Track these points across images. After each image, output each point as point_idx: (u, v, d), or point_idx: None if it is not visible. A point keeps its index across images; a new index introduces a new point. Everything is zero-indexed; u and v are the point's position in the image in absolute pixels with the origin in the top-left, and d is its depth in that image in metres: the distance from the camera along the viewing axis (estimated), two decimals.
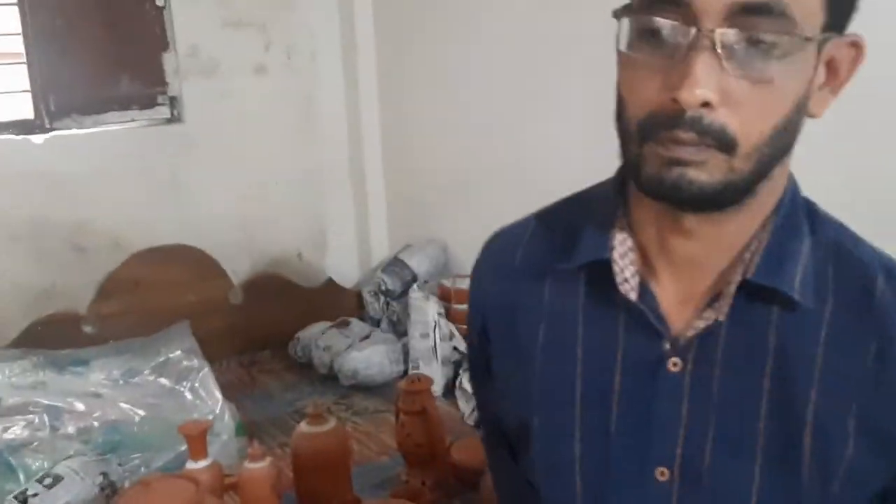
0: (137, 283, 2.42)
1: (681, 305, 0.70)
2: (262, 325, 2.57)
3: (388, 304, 2.59)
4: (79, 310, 2.40)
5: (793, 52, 0.58)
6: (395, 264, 2.64)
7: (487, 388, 0.84)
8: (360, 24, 2.81)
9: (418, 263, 2.61)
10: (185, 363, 2.07)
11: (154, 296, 2.42)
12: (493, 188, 2.48)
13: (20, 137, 2.37)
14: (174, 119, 2.60)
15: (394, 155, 2.88)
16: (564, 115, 2.18)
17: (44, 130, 2.40)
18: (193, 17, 2.58)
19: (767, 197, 0.67)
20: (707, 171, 0.60)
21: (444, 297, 2.41)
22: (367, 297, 2.66)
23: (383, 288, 2.59)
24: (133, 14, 2.50)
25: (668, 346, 0.70)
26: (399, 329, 2.52)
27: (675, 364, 0.69)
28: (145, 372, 2.03)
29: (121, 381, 2.00)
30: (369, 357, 2.33)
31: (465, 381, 2.10)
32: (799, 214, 0.69)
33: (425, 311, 2.30)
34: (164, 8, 2.53)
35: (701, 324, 0.68)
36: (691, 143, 0.60)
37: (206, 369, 2.04)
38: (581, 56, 2.05)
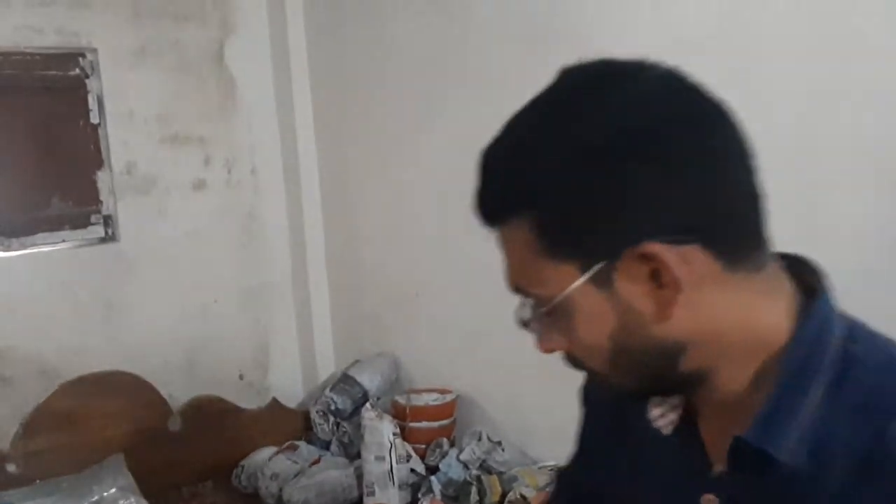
0: (67, 415, 2.25)
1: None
2: (203, 453, 2.41)
3: (338, 424, 2.47)
4: (2, 447, 2.20)
5: (565, 311, 0.66)
6: (344, 381, 2.53)
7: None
8: (302, 134, 2.78)
9: (369, 380, 2.51)
10: (121, 502, 1.92)
11: (85, 428, 2.25)
12: (445, 298, 2.42)
13: None
14: (108, 238, 2.49)
15: (339, 268, 2.81)
16: None
17: None
18: (129, 133, 2.51)
19: (736, 362, 0.67)
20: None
21: (399, 415, 2.30)
22: (316, 418, 2.53)
23: (332, 408, 2.47)
24: (67, 133, 2.42)
25: (704, 479, 0.71)
26: (351, 451, 2.39)
27: (709, 500, 0.71)
28: None
29: None
30: (321, 484, 2.19)
31: None
32: (815, 362, 0.65)
33: (380, 431, 2.18)
34: (98, 125, 2.46)
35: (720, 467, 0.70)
36: None
37: None
38: None
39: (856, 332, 0.67)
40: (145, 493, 2.00)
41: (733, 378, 0.67)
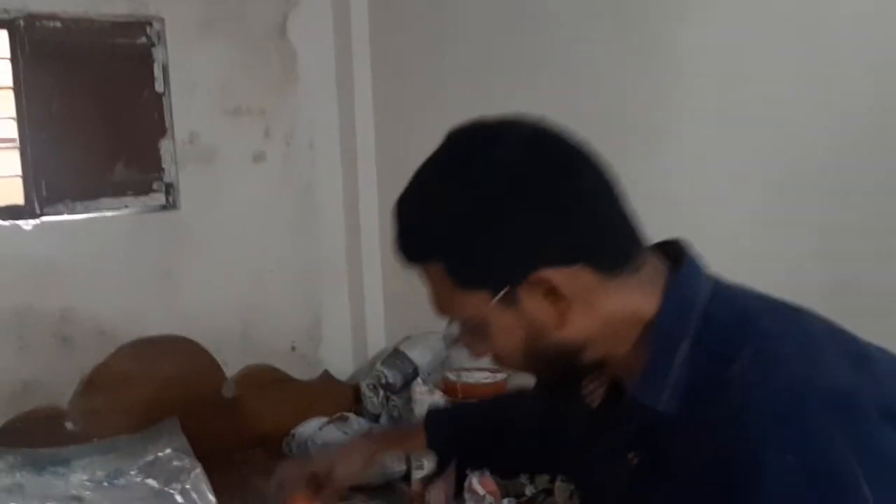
0: (125, 376, 2.29)
1: None
2: (255, 420, 2.44)
3: (388, 398, 2.47)
4: (61, 405, 2.26)
5: (483, 327, 0.83)
6: (395, 356, 2.53)
7: None
8: (360, 111, 2.78)
9: (420, 355, 2.51)
10: (175, 463, 1.94)
11: (142, 391, 2.29)
12: None
13: (9, 223, 2.28)
14: (169, 206, 2.52)
15: (392, 251, 2.80)
16: None
17: (34, 216, 2.31)
18: (192, 103, 2.54)
19: (625, 343, 0.83)
20: None
21: (449, 391, 2.30)
22: (366, 391, 2.53)
23: (383, 381, 2.48)
24: (132, 100, 2.46)
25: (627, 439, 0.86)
26: (402, 423, 2.39)
27: (632, 456, 0.85)
28: (132, 473, 1.90)
29: (105, 483, 1.86)
30: None
31: (475, 483, 1.96)
32: (679, 326, 0.80)
33: (431, 405, 2.18)
34: (163, 94, 2.50)
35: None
36: None
37: (199, 470, 1.91)
38: None
39: (716, 293, 0.82)
40: (198, 456, 2.02)
41: (624, 355, 0.82)
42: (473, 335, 0.85)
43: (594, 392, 0.91)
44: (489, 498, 1.85)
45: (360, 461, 1.28)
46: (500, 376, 2.33)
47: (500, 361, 0.88)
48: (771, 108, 1.71)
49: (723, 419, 0.72)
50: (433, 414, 1.39)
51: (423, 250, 0.85)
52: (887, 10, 1.51)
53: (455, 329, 0.86)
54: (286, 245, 2.75)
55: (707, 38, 1.82)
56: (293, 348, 2.78)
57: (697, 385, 0.77)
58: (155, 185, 2.50)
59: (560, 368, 0.85)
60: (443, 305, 0.86)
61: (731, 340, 0.76)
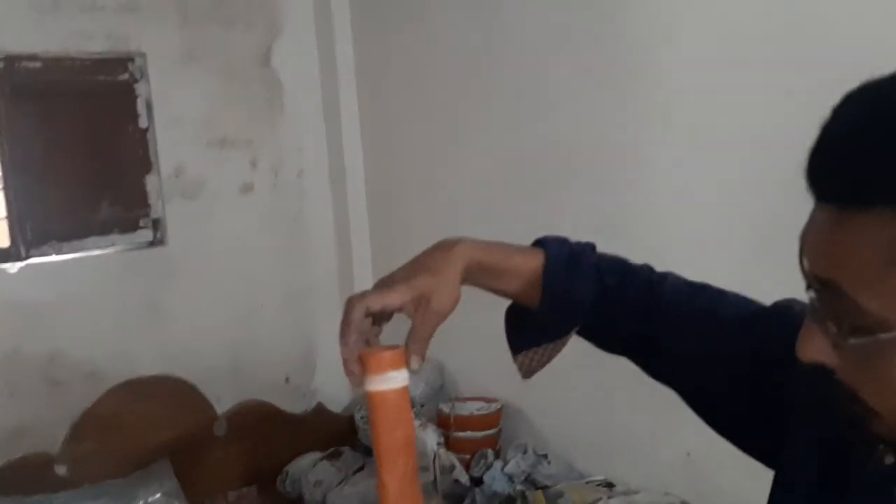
0: (115, 419, 2.26)
1: None
2: (248, 458, 2.41)
3: None
4: (51, 450, 2.23)
5: (879, 350, 0.50)
6: None
7: None
8: (348, 136, 2.76)
9: (414, 386, 2.43)
10: None
11: (132, 433, 2.26)
12: (495, 306, 2.37)
13: None
14: (157, 242, 2.51)
15: (385, 273, 2.78)
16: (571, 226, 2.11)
17: (19, 258, 2.29)
18: (178, 137, 2.52)
19: None
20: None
21: (443, 424, 2.27)
22: (360, 423, 2.51)
23: None
24: (116, 137, 2.45)
25: None
26: None
27: None
28: None
29: None
30: (365, 494, 2.17)
31: None
32: None
33: (423, 441, 2.15)
34: (147, 130, 2.48)
35: None
36: None
37: None
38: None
39: None
40: (190, 497, 2.01)
41: None
42: (864, 346, 0.51)
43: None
44: None
45: (457, 284, 0.82)
46: (493, 406, 2.30)
47: (827, 355, 0.54)
48: (752, 131, 1.68)
49: None
50: (565, 264, 0.84)
51: (888, 189, 0.48)
52: (872, 34, 1.49)
53: (832, 320, 0.52)
54: (276, 275, 2.73)
55: (688, 61, 1.80)
56: (287, 380, 2.75)
57: None
58: (142, 222, 2.48)
59: None
60: (845, 275, 0.51)
61: None
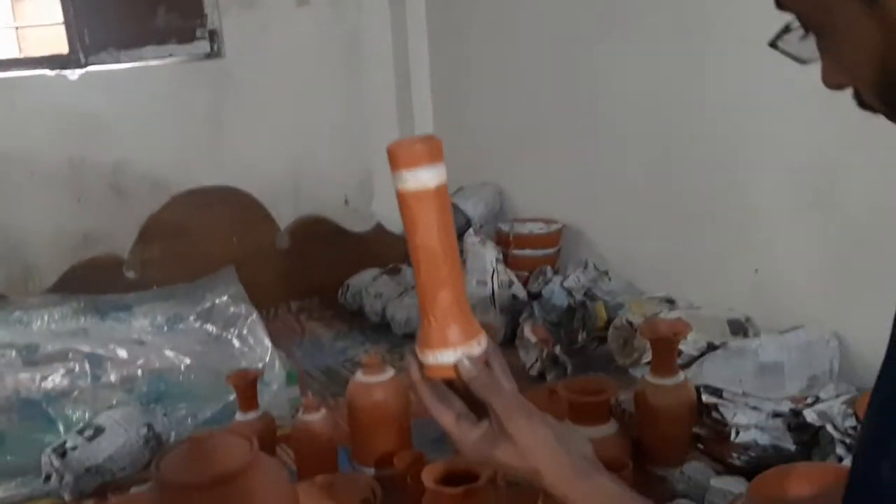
0: (180, 226, 2.31)
1: None
2: (309, 271, 2.46)
3: None
4: (120, 254, 2.30)
5: (824, 31, 0.59)
6: None
7: None
8: None
9: (473, 207, 2.46)
10: (232, 309, 1.96)
11: (197, 240, 2.31)
12: (552, 130, 2.31)
13: (54, 73, 2.25)
14: (214, 54, 2.46)
15: (444, 94, 2.72)
16: (630, 54, 2.00)
17: (79, 65, 2.27)
18: None
19: None
20: None
21: (502, 242, 2.26)
22: None
23: None
24: None
25: None
26: None
27: None
28: (190, 318, 1.93)
29: (165, 328, 1.90)
30: None
31: (526, 331, 1.96)
32: None
33: (483, 256, 2.16)
34: None
35: None
36: None
37: (255, 315, 1.94)
38: None
39: None
40: (255, 304, 2.05)
41: None
42: (817, 36, 0.61)
43: None
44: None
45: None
46: (553, 227, 2.28)
47: (838, 71, 0.62)
48: None
49: None
50: None
51: None
52: None
53: (792, 30, 0.62)
54: (334, 95, 2.67)
55: None
56: (346, 202, 2.76)
57: None
58: (198, 32, 2.43)
59: None
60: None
61: None
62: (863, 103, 0.61)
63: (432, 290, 0.70)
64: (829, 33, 0.59)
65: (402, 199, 0.69)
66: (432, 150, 0.69)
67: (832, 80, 0.61)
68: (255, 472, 0.81)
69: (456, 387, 0.73)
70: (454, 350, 0.70)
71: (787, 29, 0.61)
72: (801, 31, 0.61)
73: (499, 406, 0.69)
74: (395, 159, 0.68)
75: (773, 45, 0.62)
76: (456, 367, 0.70)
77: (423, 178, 0.68)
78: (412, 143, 0.69)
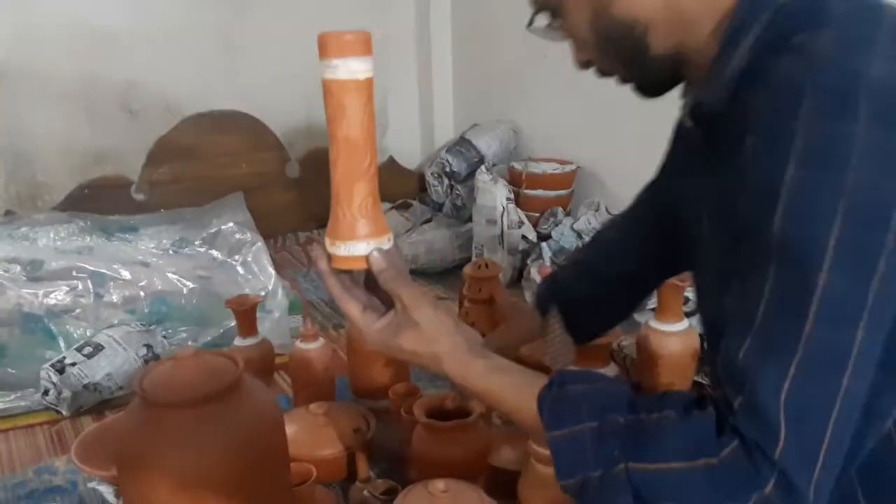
0: (189, 149, 2.29)
1: None
2: (319, 202, 2.42)
3: (451, 186, 2.42)
4: (129, 175, 2.28)
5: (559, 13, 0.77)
6: (460, 144, 2.45)
7: None
8: None
9: (486, 144, 2.42)
10: (237, 236, 1.95)
11: (207, 164, 2.29)
12: (570, 68, 2.24)
13: None
14: None
15: (463, 28, 2.64)
16: None
17: None
18: None
19: (698, 33, 0.72)
20: None
21: (514, 181, 2.22)
22: (430, 179, 2.49)
23: (447, 169, 2.41)
24: None
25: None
26: (463, 215, 2.35)
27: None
28: (196, 243, 1.92)
29: (170, 251, 1.90)
30: (431, 241, 2.18)
31: (533, 272, 1.94)
32: (753, 13, 0.68)
33: (493, 195, 2.13)
34: None
35: None
36: None
37: (260, 243, 1.93)
38: None
39: None
40: (262, 232, 2.04)
41: (700, 50, 0.72)
42: (554, 19, 0.77)
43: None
44: None
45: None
46: (567, 168, 2.24)
47: (578, 48, 0.78)
48: None
49: (768, 86, 0.63)
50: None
51: None
52: None
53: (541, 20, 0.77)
54: (351, 18, 2.60)
55: None
56: None
57: (756, 60, 0.67)
58: None
59: (630, 59, 0.74)
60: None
61: (799, 19, 0.65)
62: (604, 72, 0.77)
63: (349, 182, 0.71)
64: (559, 12, 0.75)
65: (330, 89, 0.70)
66: (364, 42, 0.70)
67: (579, 59, 0.78)
68: (237, 393, 0.80)
69: (360, 280, 0.76)
70: (366, 242, 0.71)
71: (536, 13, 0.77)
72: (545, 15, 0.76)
73: (406, 296, 0.72)
74: (327, 47, 0.68)
75: (528, 27, 0.79)
76: (367, 258, 0.72)
77: (354, 67, 0.68)
78: (343, 33, 0.69)
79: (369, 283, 0.75)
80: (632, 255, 1.04)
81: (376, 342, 0.75)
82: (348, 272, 0.74)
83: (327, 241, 0.73)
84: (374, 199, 0.72)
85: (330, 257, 0.73)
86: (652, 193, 1.05)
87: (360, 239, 0.71)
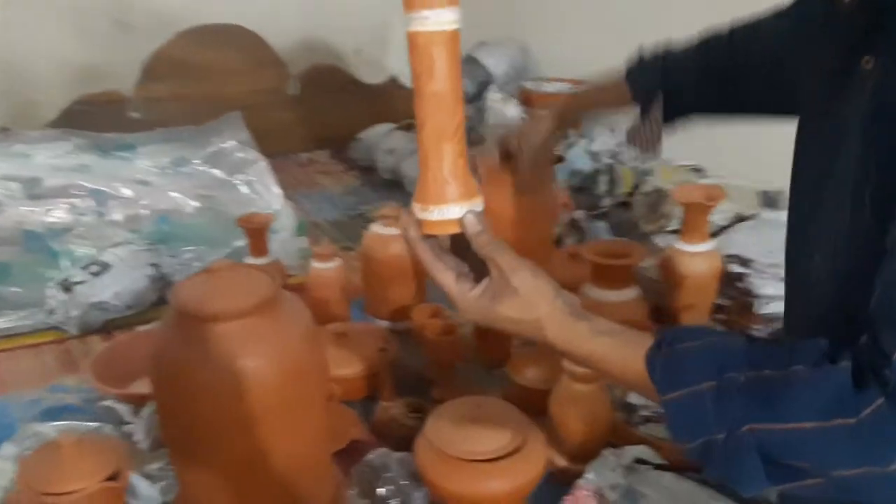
0: (186, 65, 2.19)
1: None
2: (320, 121, 2.36)
3: None
4: (124, 92, 2.19)
5: None
6: (467, 63, 2.36)
7: None
8: None
9: (495, 63, 2.34)
10: (238, 155, 1.88)
11: (204, 80, 2.20)
12: None
13: None
14: None
15: None
16: None
17: None
18: None
19: None
20: None
21: (526, 101, 2.16)
22: None
23: None
24: None
25: None
26: (471, 136, 2.28)
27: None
28: (195, 162, 1.85)
29: (170, 170, 1.83)
30: None
31: None
32: None
33: (504, 115, 2.06)
34: None
35: None
36: None
37: (263, 162, 1.86)
38: None
39: None
40: (262, 152, 1.97)
41: None
42: None
43: None
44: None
45: (545, 130, 1.21)
46: (581, 90, 2.16)
47: None
48: None
49: None
50: (638, 62, 1.17)
51: None
52: None
53: None
54: None
55: None
56: (358, 52, 2.62)
57: None
58: None
59: None
60: None
61: None
62: None
63: (439, 141, 0.67)
64: None
65: (417, 42, 0.66)
66: None
67: None
68: (278, 307, 0.76)
69: (446, 246, 0.72)
70: (459, 205, 0.68)
71: None
72: None
73: (503, 261, 0.69)
74: None
75: None
76: (461, 221, 0.68)
77: (444, 18, 0.64)
78: None
79: (455, 248, 0.72)
80: (763, 72, 0.99)
81: (473, 310, 0.70)
82: (434, 238, 0.70)
83: (417, 206, 0.69)
84: (465, 159, 0.68)
85: (419, 223, 0.69)
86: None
87: (452, 202, 0.68)
